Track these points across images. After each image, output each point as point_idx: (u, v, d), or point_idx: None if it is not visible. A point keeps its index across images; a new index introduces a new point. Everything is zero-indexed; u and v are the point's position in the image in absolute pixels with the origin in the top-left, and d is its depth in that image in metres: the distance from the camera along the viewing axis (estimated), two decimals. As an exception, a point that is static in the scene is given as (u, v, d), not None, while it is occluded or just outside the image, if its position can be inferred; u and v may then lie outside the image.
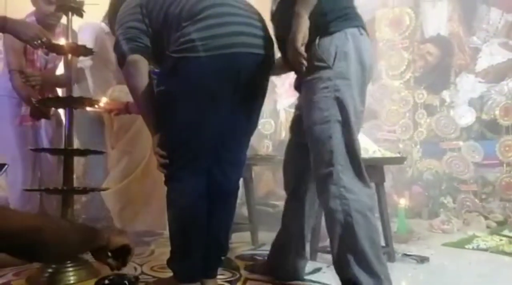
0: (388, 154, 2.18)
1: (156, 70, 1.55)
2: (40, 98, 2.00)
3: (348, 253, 1.32)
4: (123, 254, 1.08)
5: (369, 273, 1.31)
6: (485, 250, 2.37)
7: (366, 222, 1.32)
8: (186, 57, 1.32)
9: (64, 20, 2.05)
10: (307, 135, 1.41)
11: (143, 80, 1.41)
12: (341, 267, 1.36)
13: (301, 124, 1.47)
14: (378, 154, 2.09)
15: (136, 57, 1.41)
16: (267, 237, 2.21)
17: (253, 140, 1.99)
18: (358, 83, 1.37)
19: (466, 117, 3.70)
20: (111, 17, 1.64)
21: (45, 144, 2.36)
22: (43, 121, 2.29)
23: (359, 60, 1.37)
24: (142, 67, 1.42)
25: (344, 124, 1.34)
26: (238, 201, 2.00)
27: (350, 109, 1.34)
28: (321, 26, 1.35)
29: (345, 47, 1.35)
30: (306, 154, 1.44)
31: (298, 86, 1.51)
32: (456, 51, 3.82)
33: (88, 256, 1.91)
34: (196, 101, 1.35)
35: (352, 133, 1.35)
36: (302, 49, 1.31)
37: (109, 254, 1.06)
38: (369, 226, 1.33)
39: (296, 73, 1.50)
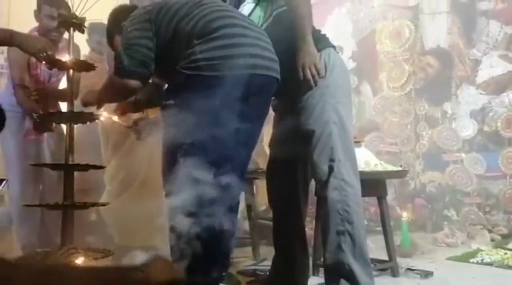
0: (389, 168, 2.17)
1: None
2: (41, 113, 2.01)
3: (343, 242, 1.41)
4: None
5: (362, 262, 1.41)
6: (490, 264, 2.33)
7: (361, 214, 1.46)
8: (198, 75, 1.34)
9: (66, 35, 2.07)
10: (306, 136, 1.50)
11: (126, 99, 1.61)
12: (334, 255, 1.42)
13: (283, 140, 1.63)
14: (379, 168, 2.08)
15: (137, 85, 1.44)
16: (268, 251, 2.18)
17: (255, 154, 1.98)
18: (346, 92, 1.57)
19: (468, 129, 3.69)
20: (111, 25, 1.63)
21: (47, 157, 2.36)
22: (45, 134, 2.30)
23: (344, 73, 1.59)
24: (136, 94, 1.54)
25: (340, 125, 1.48)
26: (240, 215, 1.98)
27: (342, 113, 1.49)
28: None
29: (332, 62, 1.53)
30: (292, 169, 1.63)
31: (276, 106, 1.70)
32: (457, 63, 3.83)
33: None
34: (206, 118, 1.35)
35: (347, 131, 1.49)
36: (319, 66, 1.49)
37: None
38: (363, 218, 1.48)
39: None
